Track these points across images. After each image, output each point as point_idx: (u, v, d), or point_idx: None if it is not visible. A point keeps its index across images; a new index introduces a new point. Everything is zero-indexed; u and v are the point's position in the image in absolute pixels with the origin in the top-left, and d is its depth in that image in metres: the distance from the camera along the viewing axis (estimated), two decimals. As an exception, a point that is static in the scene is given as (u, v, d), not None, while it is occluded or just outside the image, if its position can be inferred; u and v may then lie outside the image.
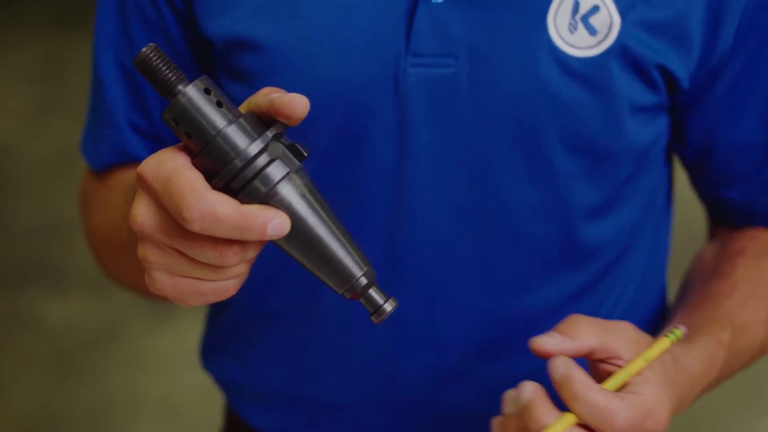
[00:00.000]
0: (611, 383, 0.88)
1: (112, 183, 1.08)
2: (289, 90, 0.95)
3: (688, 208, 1.17)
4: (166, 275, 0.80)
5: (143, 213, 0.78)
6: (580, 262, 1.04)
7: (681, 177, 1.14)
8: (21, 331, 2.88)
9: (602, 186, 1.01)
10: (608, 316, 1.08)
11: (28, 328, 2.89)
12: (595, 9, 0.96)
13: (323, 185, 0.99)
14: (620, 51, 0.96)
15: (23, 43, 4.35)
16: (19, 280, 3.05)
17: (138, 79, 1.05)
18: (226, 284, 0.80)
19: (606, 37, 0.96)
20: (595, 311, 1.07)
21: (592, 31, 0.96)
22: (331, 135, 0.98)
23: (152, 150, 1.03)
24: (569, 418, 0.86)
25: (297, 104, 0.77)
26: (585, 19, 0.96)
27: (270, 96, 0.78)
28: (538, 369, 1.07)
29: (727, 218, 1.11)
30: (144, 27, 1.03)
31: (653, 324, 1.14)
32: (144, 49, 0.78)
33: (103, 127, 1.08)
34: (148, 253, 0.79)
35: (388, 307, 0.81)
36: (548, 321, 1.05)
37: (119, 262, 1.09)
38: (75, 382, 2.74)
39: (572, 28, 0.96)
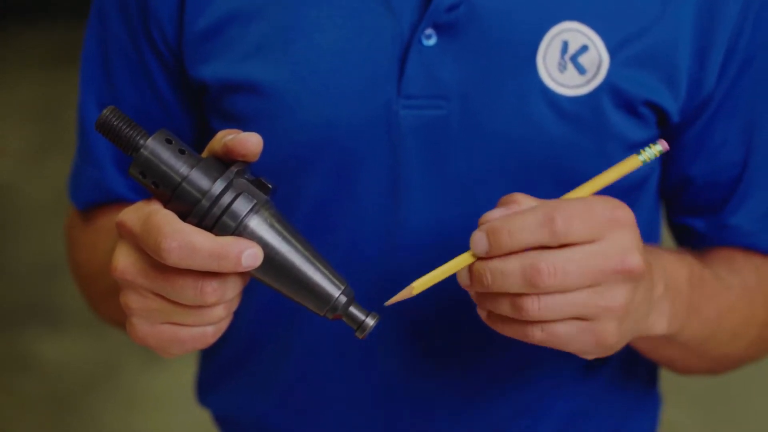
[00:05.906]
0: (579, 191, 0.85)
1: (98, 224, 1.11)
2: (284, 132, 0.98)
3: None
4: (146, 323, 0.83)
5: (123, 260, 0.82)
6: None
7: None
8: (17, 371, 2.88)
9: None
10: (615, 354, 1.08)
11: (24, 368, 2.89)
12: (584, 48, 0.97)
13: (318, 225, 1.00)
14: (610, 89, 0.97)
15: (20, 82, 4.37)
16: (16, 319, 3.05)
17: None
18: (205, 330, 0.83)
19: (595, 75, 0.97)
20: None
21: (581, 70, 0.97)
22: (325, 176, 0.99)
23: (135, 188, 1.08)
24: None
25: (249, 143, 0.81)
26: (574, 58, 0.97)
27: (224, 139, 0.81)
28: (541, 407, 1.08)
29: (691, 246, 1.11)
30: (127, 70, 1.05)
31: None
32: (104, 112, 0.82)
33: (86, 166, 1.10)
34: (129, 299, 0.83)
35: (370, 321, 0.84)
36: (549, 362, 1.06)
37: (106, 301, 1.12)
38: (71, 422, 2.74)
39: (561, 67, 0.97)
